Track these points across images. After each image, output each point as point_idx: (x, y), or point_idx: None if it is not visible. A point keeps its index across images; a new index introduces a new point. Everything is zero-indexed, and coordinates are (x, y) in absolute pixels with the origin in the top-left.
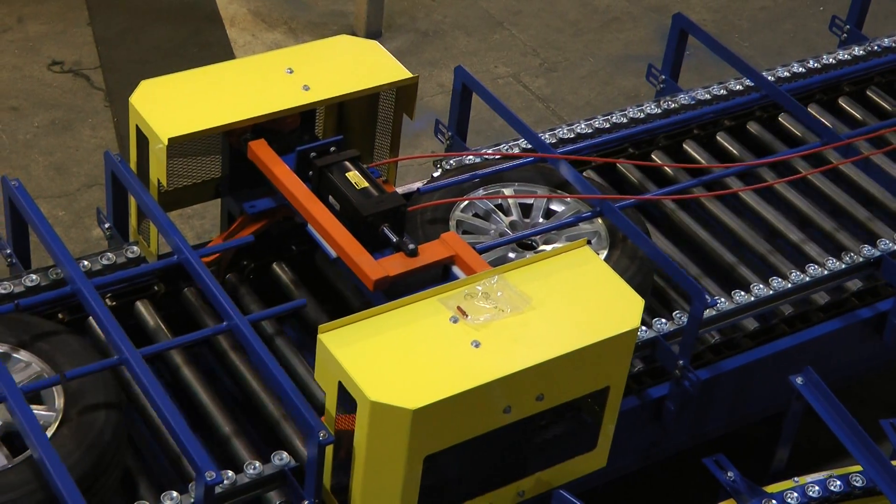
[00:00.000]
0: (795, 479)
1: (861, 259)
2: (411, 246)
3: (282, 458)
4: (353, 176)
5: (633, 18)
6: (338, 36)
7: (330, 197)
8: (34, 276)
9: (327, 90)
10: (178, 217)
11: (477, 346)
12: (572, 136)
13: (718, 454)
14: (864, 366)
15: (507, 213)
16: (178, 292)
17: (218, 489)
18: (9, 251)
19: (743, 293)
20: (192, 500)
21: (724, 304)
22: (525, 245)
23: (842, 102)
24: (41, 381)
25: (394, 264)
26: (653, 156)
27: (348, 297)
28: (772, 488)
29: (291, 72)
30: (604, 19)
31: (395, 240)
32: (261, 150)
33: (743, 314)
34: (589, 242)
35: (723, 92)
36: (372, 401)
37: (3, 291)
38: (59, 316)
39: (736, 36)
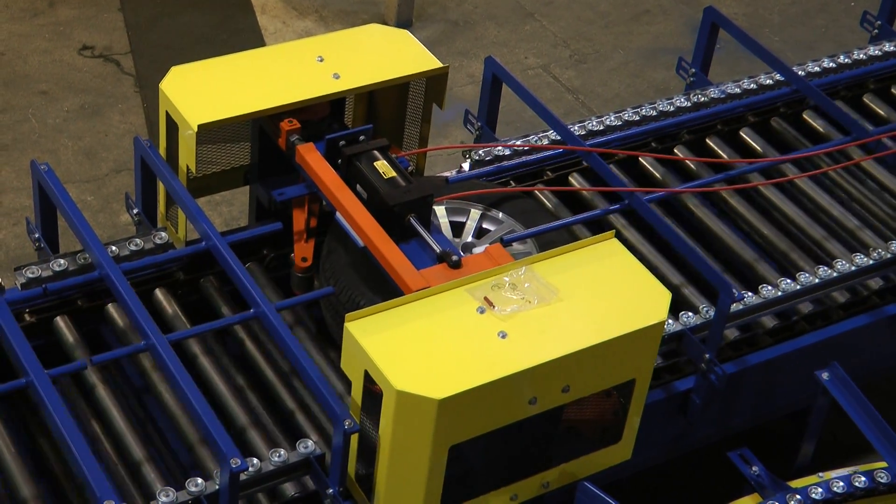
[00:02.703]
0: (820, 474)
1: (889, 255)
2: (455, 258)
3: (307, 445)
4: (382, 165)
5: (664, 11)
6: (368, 25)
7: (357, 186)
8: (62, 261)
9: (357, 79)
10: (207, 203)
11: (504, 336)
12: (602, 128)
13: (743, 448)
14: (891, 362)
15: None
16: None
17: (243, 476)
18: (37, 235)
19: (770, 288)
20: (217, 487)
21: (750, 298)
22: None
23: (867, 100)
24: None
25: (436, 276)
26: (676, 150)
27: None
28: (796, 483)
29: (322, 60)
30: (634, 12)
31: (423, 233)
32: (309, 155)
33: (769, 308)
34: None
35: (753, 86)
36: (398, 390)
37: (31, 275)
38: (26, 317)
39: (767, 30)
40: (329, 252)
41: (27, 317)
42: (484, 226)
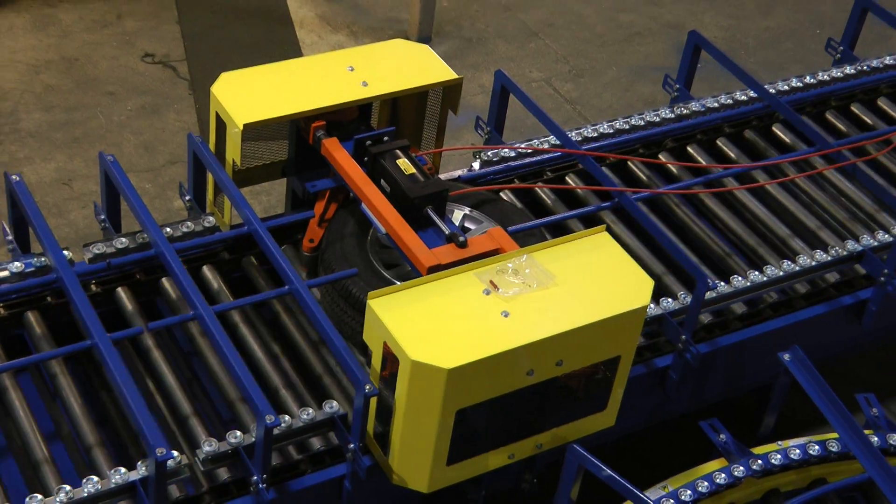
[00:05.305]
0: (779, 442)
1: (845, 253)
2: (461, 238)
3: (332, 406)
4: (403, 163)
5: (653, 33)
6: (393, 39)
7: (381, 180)
8: (124, 240)
9: (383, 87)
10: (249, 193)
11: (506, 315)
12: (595, 134)
13: (713, 418)
14: (845, 346)
15: None
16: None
17: (276, 431)
18: (103, 217)
19: (740, 278)
20: (254, 440)
21: (723, 287)
22: None
23: (829, 116)
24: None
25: (445, 254)
26: (660, 155)
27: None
28: (758, 450)
29: (352, 70)
30: (627, 33)
31: (438, 222)
32: (333, 149)
33: (738, 297)
34: None
35: (729, 101)
36: (412, 360)
37: (97, 252)
38: (92, 287)
39: (742, 52)
40: (328, 244)
41: (93, 287)
42: (466, 225)
